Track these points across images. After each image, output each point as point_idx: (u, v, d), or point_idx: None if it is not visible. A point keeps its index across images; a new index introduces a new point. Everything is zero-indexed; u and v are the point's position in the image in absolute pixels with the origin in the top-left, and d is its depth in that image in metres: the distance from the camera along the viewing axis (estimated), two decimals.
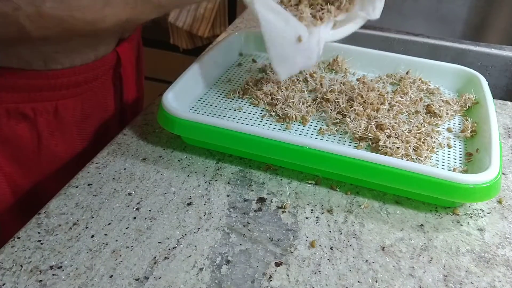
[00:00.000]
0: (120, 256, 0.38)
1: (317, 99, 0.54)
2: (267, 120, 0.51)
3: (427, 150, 0.46)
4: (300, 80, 0.56)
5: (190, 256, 0.38)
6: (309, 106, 0.52)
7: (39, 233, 0.40)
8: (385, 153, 0.45)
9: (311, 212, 0.43)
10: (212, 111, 0.53)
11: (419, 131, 0.48)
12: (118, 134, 0.53)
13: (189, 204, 0.43)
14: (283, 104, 0.52)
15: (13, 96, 0.47)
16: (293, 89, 0.55)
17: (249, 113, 0.52)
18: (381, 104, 0.52)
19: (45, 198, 0.43)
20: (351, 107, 0.51)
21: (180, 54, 1.63)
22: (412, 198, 0.45)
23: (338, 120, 0.50)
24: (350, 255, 0.39)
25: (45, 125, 0.50)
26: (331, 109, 0.52)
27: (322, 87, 0.55)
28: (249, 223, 0.42)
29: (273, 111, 0.52)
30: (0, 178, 0.50)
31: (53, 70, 0.48)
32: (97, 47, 0.52)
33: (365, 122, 0.49)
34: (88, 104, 0.54)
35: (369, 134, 0.48)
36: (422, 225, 0.42)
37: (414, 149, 0.46)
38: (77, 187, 0.45)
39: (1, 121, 0.47)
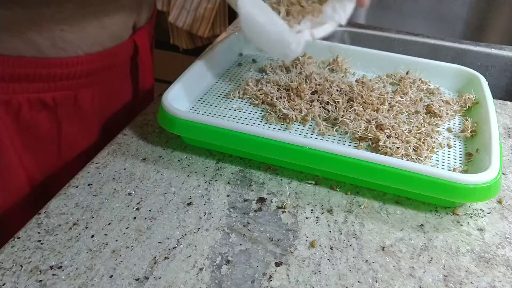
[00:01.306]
0: (120, 256, 0.38)
1: (317, 99, 0.54)
2: (267, 120, 0.51)
3: (427, 150, 0.46)
4: (300, 80, 0.56)
5: (190, 256, 0.38)
6: (310, 106, 0.52)
7: (39, 233, 0.40)
8: (385, 153, 0.45)
9: (311, 212, 0.43)
10: (212, 111, 0.53)
11: (419, 131, 0.48)
12: (118, 134, 0.53)
13: (189, 204, 0.43)
14: (283, 104, 0.52)
15: (33, 85, 0.48)
16: (293, 89, 0.55)
17: (249, 113, 0.52)
18: (381, 104, 0.52)
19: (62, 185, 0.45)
20: (351, 107, 0.51)
21: (180, 54, 1.63)
22: (412, 198, 0.45)
23: (338, 120, 0.50)
24: (350, 255, 0.39)
25: (65, 114, 0.51)
26: (331, 109, 0.52)
27: (322, 87, 0.55)
28: (249, 223, 0.42)
29: (273, 111, 0.52)
30: (19, 169, 0.51)
31: (70, 58, 0.49)
32: (107, 30, 0.52)
33: (365, 122, 0.49)
34: (107, 92, 0.55)
35: (369, 134, 0.48)
36: (422, 225, 0.42)
37: (414, 149, 0.46)
38: (77, 187, 0.45)
39: (22, 110, 0.48)
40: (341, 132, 0.50)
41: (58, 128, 0.52)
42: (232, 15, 1.47)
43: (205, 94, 0.56)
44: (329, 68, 0.62)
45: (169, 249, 0.39)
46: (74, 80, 0.50)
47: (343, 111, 0.51)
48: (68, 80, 0.50)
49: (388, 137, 0.47)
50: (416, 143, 0.47)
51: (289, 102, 0.52)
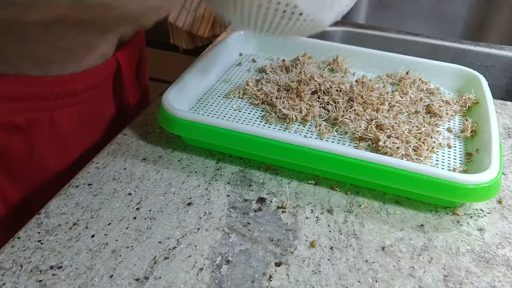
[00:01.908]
0: (120, 256, 0.38)
1: (317, 99, 0.54)
2: (267, 120, 0.51)
3: (427, 150, 0.46)
4: (300, 81, 0.56)
5: (190, 256, 0.38)
6: (310, 106, 0.52)
7: (39, 233, 0.40)
8: (385, 153, 0.45)
9: (311, 212, 0.43)
10: (212, 111, 0.53)
11: (419, 131, 0.48)
12: (118, 134, 0.53)
13: (189, 204, 0.43)
14: (283, 104, 0.52)
15: (7, 106, 0.44)
16: (293, 89, 0.55)
17: (249, 113, 0.52)
18: (381, 104, 0.52)
19: (36, 209, 0.42)
20: (351, 107, 0.51)
21: (180, 54, 1.63)
22: (412, 198, 0.45)
23: (338, 120, 0.50)
24: (350, 255, 0.39)
25: (40, 137, 0.48)
26: (331, 109, 0.52)
27: (322, 87, 0.55)
28: (249, 223, 0.42)
29: (273, 111, 0.52)
30: None
31: (50, 77, 0.46)
32: (94, 49, 0.49)
33: (365, 122, 0.49)
34: (87, 113, 0.52)
35: (369, 134, 0.48)
36: (422, 225, 0.42)
37: (414, 149, 0.46)
38: (77, 187, 0.45)
39: None
40: (341, 132, 0.50)
41: (32, 151, 0.48)
42: None
43: (205, 94, 0.56)
44: (329, 68, 0.62)
45: (169, 249, 0.39)
46: (51, 101, 0.47)
47: (343, 111, 0.51)
48: (45, 101, 0.46)
49: (388, 137, 0.47)
50: (416, 143, 0.47)
51: (289, 102, 0.52)
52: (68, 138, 0.51)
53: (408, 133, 0.48)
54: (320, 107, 0.53)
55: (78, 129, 0.52)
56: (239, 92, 0.56)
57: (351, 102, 0.52)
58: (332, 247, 0.40)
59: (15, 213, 0.50)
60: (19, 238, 0.39)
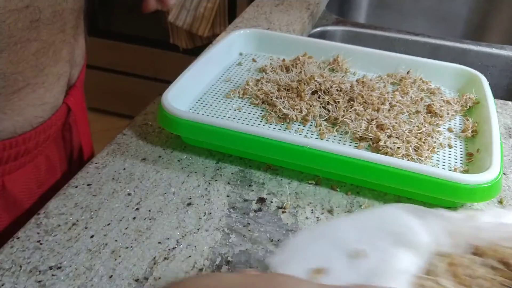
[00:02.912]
0: (120, 256, 0.38)
1: (317, 99, 0.53)
2: (267, 120, 0.51)
3: (427, 150, 0.46)
4: (300, 80, 0.56)
5: (190, 256, 0.38)
6: (310, 106, 0.52)
7: (38, 233, 0.39)
8: (386, 153, 0.45)
9: (312, 212, 0.43)
10: (212, 111, 0.52)
11: (419, 131, 0.48)
12: (118, 134, 0.52)
13: (189, 204, 0.43)
14: (283, 104, 0.52)
15: None
16: (293, 89, 0.54)
17: (249, 113, 0.52)
18: (381, 104, 0.52)
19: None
20: (351, 107, 0.51)
21: (180, 53, 1.63)
22: (413, 198, 0.45)
23: (338, 120, 0.50)
24: None
25: None
26: (331, 109, 0.52)
27: (322, 87, 0.55)
28: (249, 224, 0.42)
29: (273, 111, 0.52)
30: None
31: (1, 142, 0.42)
32: (48, 101, 0.45)
33: (366, 122, 0.49)
34: (41, 170, 0.48)
35: (370, 134, 0.48)
36: None
37: (414, 149, 0.46)
38: (76, 187, 0.45)
39: None
40: (342, 132, 0.50)
41: None
42: (232, 14, 1.47)
43: (205, 94, 0.56)
44: (329, 68, 0.62)
45: (169, 249, 0.39)
46: (1, 166, 0.43)
47: (344, 111, 0.51)
48: None
49: (388, 137, 0.47)
50: (417, 143, 0.47)
51: (289, 102, 0.52)
52: (24, 202, 0.47)
53: (408, 133, 0.48)
54: (320, 107, 0.52)
55: (34, 190, 0.48)
56: (239, 92, 0.56)
57: (352, 102, 0.52)
58: None
59: None
60: (18, 238, 0.39)
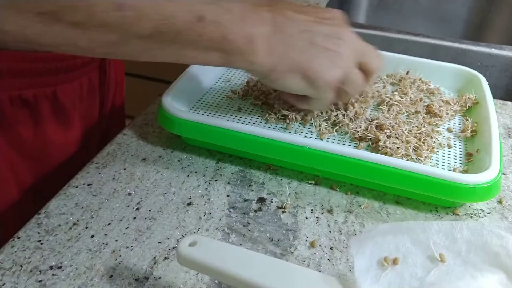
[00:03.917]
0: (120, 256, 0.38)
1: None
2: (267, 120, 0.51)
3: (427, 150, 0.46)
4: None
5: None
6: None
7: (39, 233, 0.40)
8: (385, 153, 0.45)
9: (311, 212, 0.43)
10: (212, 111, 0.53)
11: (419, 131, 0.48)
12: (118, 133, 0.53)
13: (189, 204, 0.43)
14: (283, 104, 0.52)
15: (15, 82, 0.47)
16: None
17: (249, 113, 0.52)
18: (379, 104, 0.52)
19: (48, 196, 0.43)
20: (352, 107, 0.51)
21: None
22: (412, 198, 0.45)
23: (338, 120, 0.50)
24: (350, 255, 0.39)
25: (44, 111, 0.51)
26: (331, 109, 0.52)
27: None
28: (249, 223, 0.42)
29: (273, 112, 0.52)
30: (7, 171, 0.49)
31: (54, 53, 0.48)
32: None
33: (365, 122, 0.49)
34: (84, 89, 0.55)
35: (369, 134, 0.48)
36: None
37: (414, 149, 0.46)
38: (77, 187, 0.45)
39: (5, 109, 0.47)
40: (341, 132, 0.50)
41: (38, 126, 0.51)
42: None
43: (205, 94, 0.56)
44: None
45: (169, 249, 0.39)
46: (55, 76, 0.50)
47: (343, 111, 0.51)
48: (50, 76, 0.49)
49: (388, 137, 0.47)
50: (416, 143, 0.47)
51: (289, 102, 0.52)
52: (70, 112, 0.54)
53: (408, 133, 0.48)
54: None
55: (77, 104, 0.55)
56: (239, 92, 0.56)
57: (351, 102, 0.52)
58: (332, 247, 0.40)
59: (28, 200, 0.52)
60: (19, 238, 0.39)
